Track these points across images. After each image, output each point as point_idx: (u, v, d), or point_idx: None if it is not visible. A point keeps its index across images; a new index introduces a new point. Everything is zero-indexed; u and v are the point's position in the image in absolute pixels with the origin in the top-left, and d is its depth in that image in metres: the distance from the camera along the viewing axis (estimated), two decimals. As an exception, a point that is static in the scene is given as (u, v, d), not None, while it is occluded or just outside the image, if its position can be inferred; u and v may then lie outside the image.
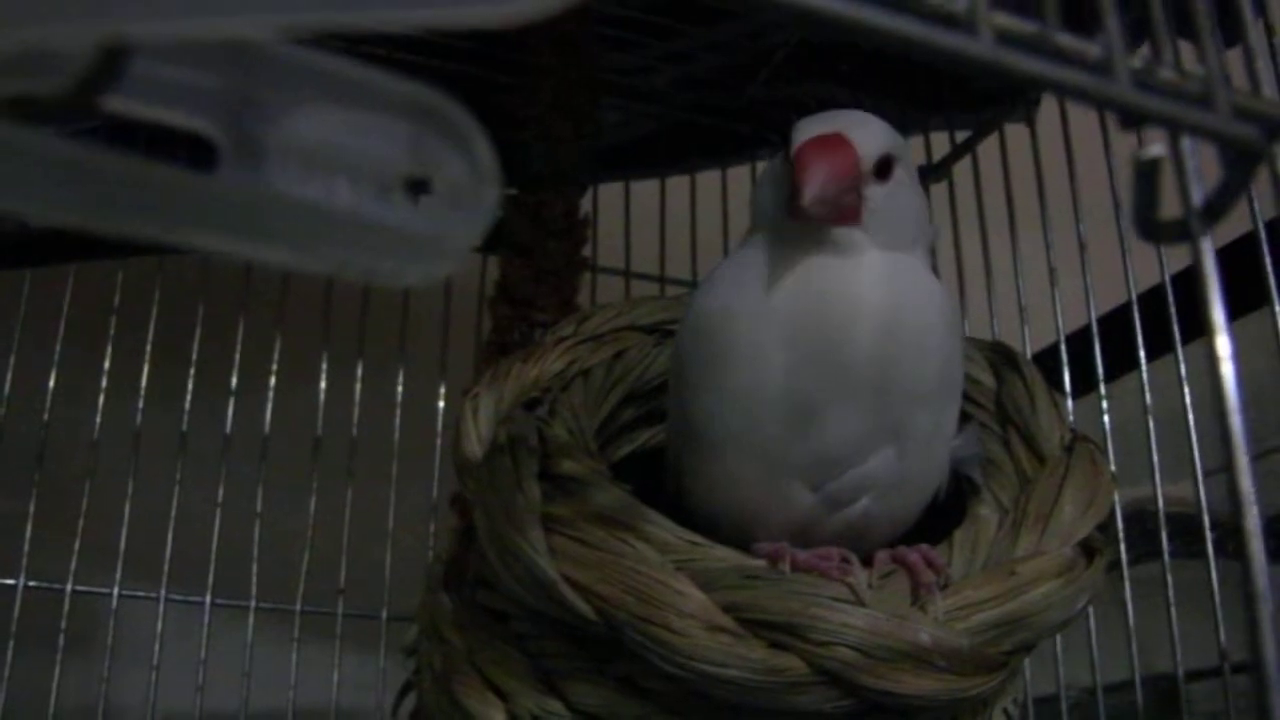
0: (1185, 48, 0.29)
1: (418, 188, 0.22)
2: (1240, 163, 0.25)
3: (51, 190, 0.20)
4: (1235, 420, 0.23)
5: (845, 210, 0.50)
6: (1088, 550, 0.51)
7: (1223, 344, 0.25)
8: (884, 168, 0.51)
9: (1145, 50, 0.26)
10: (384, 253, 0.22)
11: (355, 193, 0.22)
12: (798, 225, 0.49)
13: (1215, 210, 0.25)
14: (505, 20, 0.19)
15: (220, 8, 0.18)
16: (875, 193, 0.51)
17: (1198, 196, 0.25)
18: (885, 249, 0.50)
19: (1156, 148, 0.24)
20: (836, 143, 0.49)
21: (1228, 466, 0.23)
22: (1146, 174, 0.25)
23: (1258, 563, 0.22)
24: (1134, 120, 0.24)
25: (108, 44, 0.19)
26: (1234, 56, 0.31)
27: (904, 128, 0.88)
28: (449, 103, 0.22)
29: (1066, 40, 0.24)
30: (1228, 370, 0.24)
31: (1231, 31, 0.31)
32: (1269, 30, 0.64)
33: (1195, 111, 0.24)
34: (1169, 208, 0.26)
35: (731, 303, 0.52)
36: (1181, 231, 0.25)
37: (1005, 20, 0.23)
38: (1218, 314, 0.25)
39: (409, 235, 0.22)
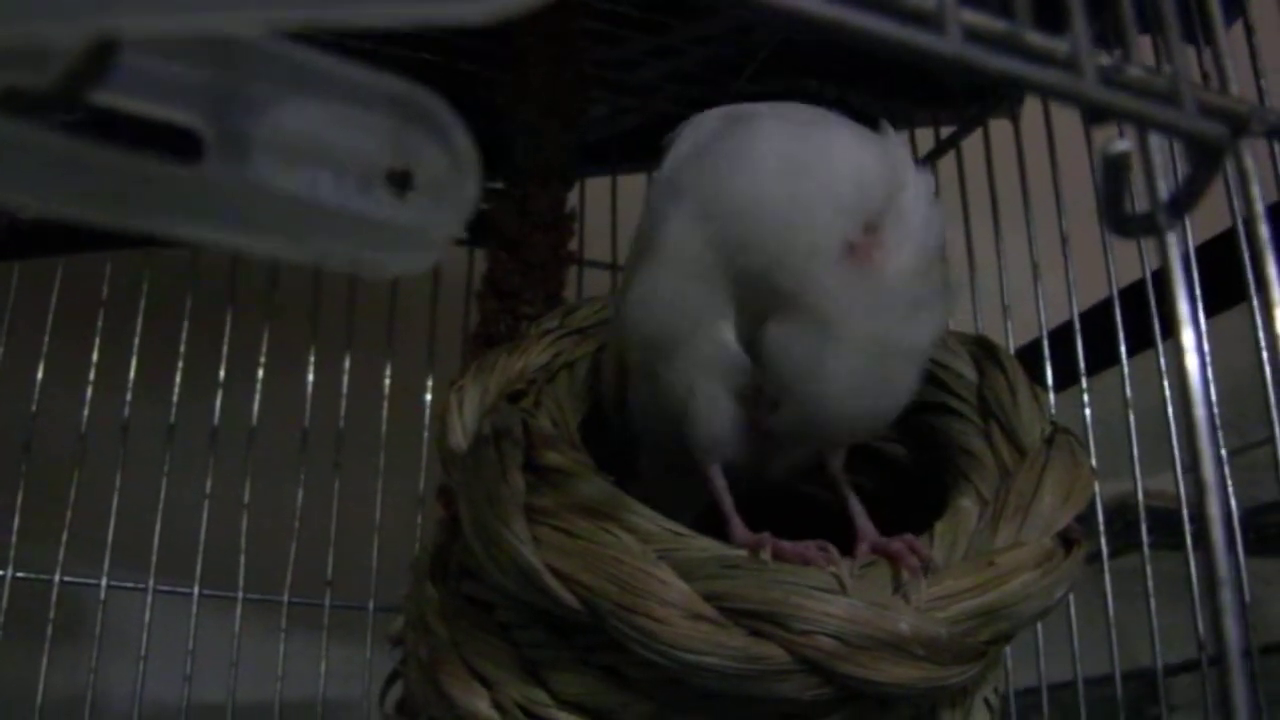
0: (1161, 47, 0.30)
1: (400, 180, 0.23)
2: (1205, 159, 0.25)
3: (40, 182, 0.20)
4: (1200, 411, 0.24)
5: None
6: (1066, 541, 0.51)
7: (1189, 336, 0.25)
8: None
9: (1117, 50, 0.27)
10: (367, 244, 0.22)
11: (338, 185, 0.22)
12: None
13: (1181, 205, 0.26)
14: (485, 16, 0.20)
15: (207, 4, 0.18)
16: None
17: (1165, 191, 0.26)
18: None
19: (1124, 143, 0.25)
20: None
21: (1192, 454, 0.24)
22: (1115, 168, 0.25)
23: (1219, 549, 0.23)
24: (1100, 117, 0.24)
25: (97, 40, 0.19)
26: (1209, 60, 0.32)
27: (889, 123, 0.89)
28: (430, 96, 0.23)
29: (1036, 38, 0.25)
30: (1193, 362, 0.25)
31: (1204, 30, 0.32)
32: (1249, 29, 0.65)
33: (1161, 108, 0.25)
34: (1137, 202, 0.26)
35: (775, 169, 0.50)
36: (1149, 225, 0.26)
37: (974, 17, 0.24)
38: (1183, 306, 0.26)
39: (391, 226, 0.22)
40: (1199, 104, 0.26)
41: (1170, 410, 0.68)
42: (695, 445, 0.53)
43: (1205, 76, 0.57)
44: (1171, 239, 0.25)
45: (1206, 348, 0.64)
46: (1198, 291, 0.64)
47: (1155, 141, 0.26)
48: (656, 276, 0.51)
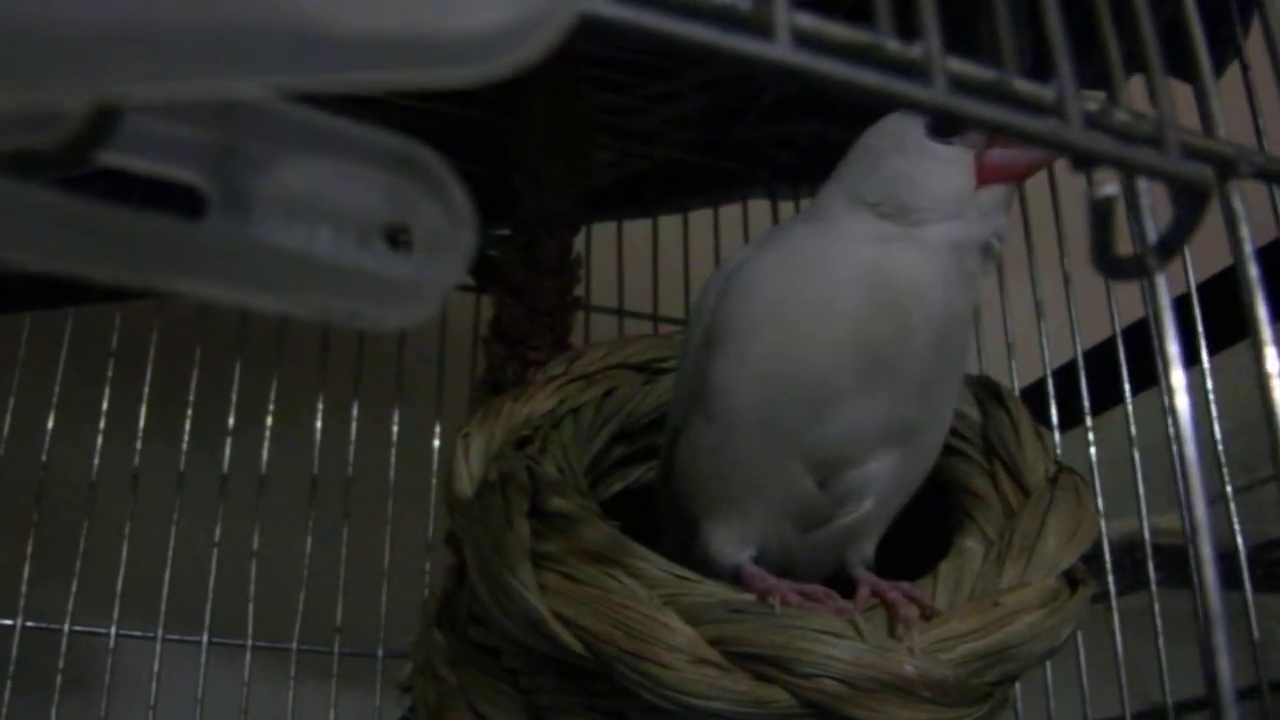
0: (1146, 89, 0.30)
1: (397, 235, 0.23)
2: (1192, 201, 0.26)
3: (45, 240, 0.21)
4: (1190, 450, 0.24)
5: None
6: (1071, 581, 0.51)
7: (1178, 376, 0.26)
8: None
9: (1103, 98, 0.27)
10: (365, 298, 0.23)
11: (337, 240, 0.23)
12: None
13: (1169, 248, 0.26)
14: (481, 76, 0.20)
15: (211, 70, 0.19)
16: None
17: (1153, 234, 0.26)
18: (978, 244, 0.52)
19: (1112, 187, 0.25)
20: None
21: (1183, 494, 0.24)
22: (1102, 212, 0.26)
23: (1211, 590, 0.23)
24: (1085, 162, 0.25)
25: (102, 103, 0.20)
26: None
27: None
28: (426, 152, 0.23)
29: (1022, 85, 0.25)
30: (1183, 402, 0.25)
31: (1193, 73, 0.32)
32: (1244, 68, 0.66)
33: (1146, 153, 0.25)
34: (1125, 245, 0.27)
35: (796, 275, 0.52)
36: (1138, 268, 0.26)
37: (961, 66, 0.24)
38: (1173, 347, 0.26)
39: (389, 280, 0.23)
40: (1185, 147, 0.26)
41: (1175, 448, 0.67)
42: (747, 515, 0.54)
43: (1204, 117, 0.57)
44: (1160, 280, 0.26)
45: (1210, 384, 0.64)
46: (1199, 328, 0.64)
47: (1144, 184, 0.27)
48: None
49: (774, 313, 0.52)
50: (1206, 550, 0.23)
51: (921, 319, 0.50)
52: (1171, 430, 0.67)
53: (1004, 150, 0.51)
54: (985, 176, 0.51)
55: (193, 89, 0.18)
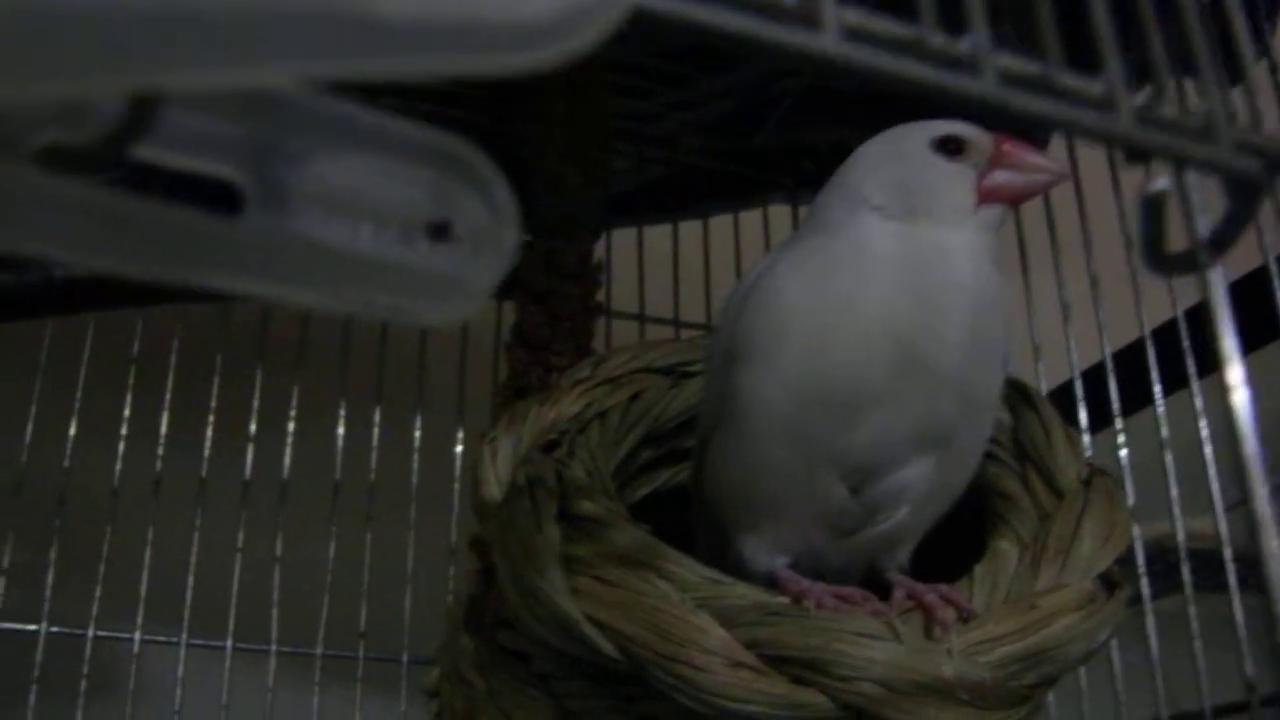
0: (1189, 90, 0.30)
1: (439, 231, 0.23)
2: (1243, 195, 0.25)
3: (80, 236, 0.20)
4: (1250, 445, 0.24)
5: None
6: (1108, 583, 0.51)
7: (1234, 372, 0.25)
8: None
9: (1148, 91, 0.27)
10: (407, 293, 0.22)
11: (379, 237, 0.23)
12: (975, 211, 0.52)
13: (1220, 242, 0.25)
14: (532, 65, 0.20)
15: (245, 59, 0.18)
16: None
17: (1203, 229, 0.26)
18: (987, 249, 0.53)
19: (1162, 181, 0.25)
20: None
21: (1243, 489, 0.23)
22: (1152, 208, 0.25)
23: (1277, 586, 0.22)
24: (1138, 155, 0.24)
25: (137, 94, 0.19)
26: (1239, 99, 0.32)
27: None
28: (469, 148, 0.23)
29: (1069, 80, 0.25)
30: (1241, 397, 0.25)
31: (1235, 70, 0.32)
32: (1273, 68, 0.65)
33: (1197, 145, 0.25)
34: (1175, 241, 0.26)
35: (816, 286, 0.52)
36: (1189, 263, 0.26)
37: (1009, 61, 0.24)
38: (1229, 342, 0.26)
39: (431, 276, 0.23)
40: (1234, 141, 0.26)
41: (1208, 450, 0.67)
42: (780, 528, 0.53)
43: (1231, 117, 0.57)
44: (1213, 275, 0.25)
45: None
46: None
47: (1192, 181, 0.26)
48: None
49: (799, 320, 0.51)
50: (1274, 545, 0.22)
51: (951, 306, 0.50)
52: (1205, 431, 0.67)
53: (1005, 173, 0.52)
54: (985, 196, 0.52)
55: (233, 76, 0.18)
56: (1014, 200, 0.54)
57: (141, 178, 0.21)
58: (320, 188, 0.23)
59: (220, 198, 0.23)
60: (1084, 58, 0.26)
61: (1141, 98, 0.26)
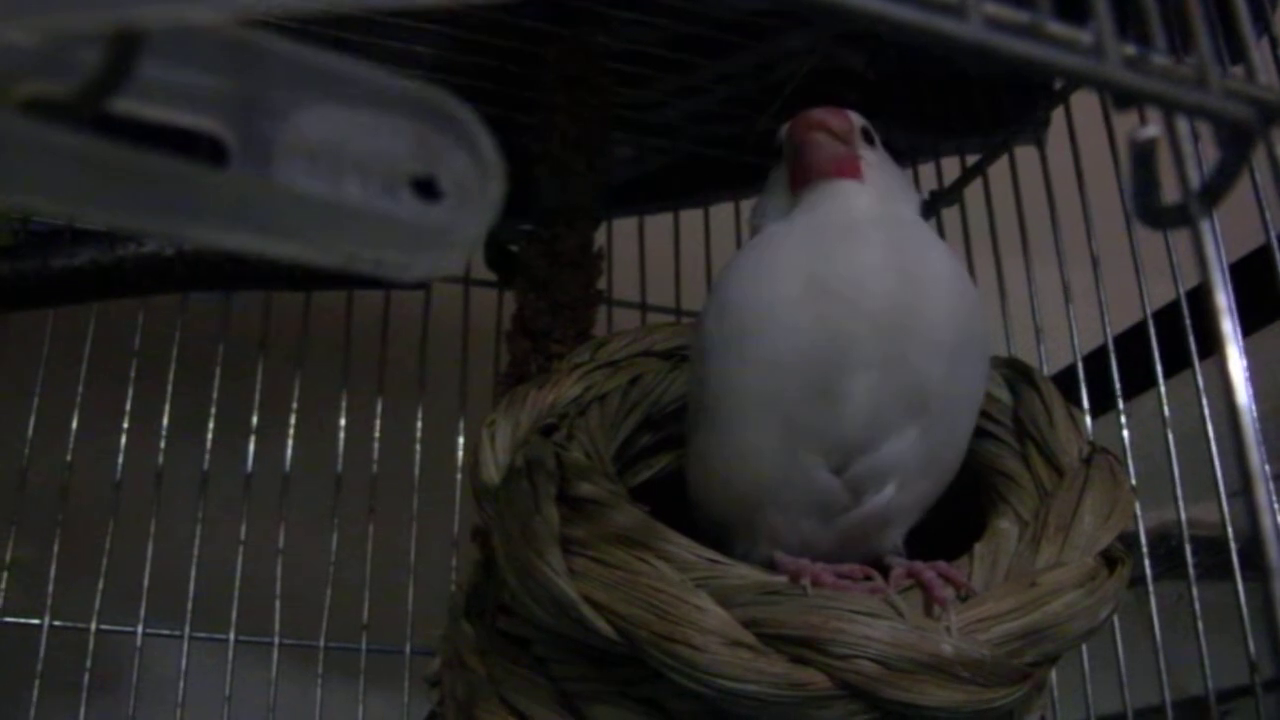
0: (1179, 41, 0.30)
1: (424, 184, 0.23)
2: (1236, 143, 0.25)
3: (64, 185, 0.20)
4: (1247, 418, 0.23)
5: (845, 163, 0.54)
6: (1109, 560, 0.50)
7: (1229, 326, 0.25)
8: (868, 136, 0.57)
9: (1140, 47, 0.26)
10: (391, 245, 0.22)
11: (363, 188, 0.22)
12: (807, 190, 0.54)
13: (1214, 192, 0.25)
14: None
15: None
16: (868, 154, 0.55)
17: (1196, 179, 0.26)
18: (888, 207, 0.54)
19: (1151, 129, 0.24)
20: (826, 110, 0.55)
21: (1241, 467, 0.23)
22: (1144, 157, 0.25)
23: (1277, 569, 0.22)
24: (1126, 101, 0.24)
25: (117, 33, 0.19)
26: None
27: (914, 153, 0.89)
28: (452, 100, 0.23)
29: (1058, 28, 0.25)
30: (1236, 365, 0.24)
31: (1229, 29, 0.32)
32: (1274, 42, 0.65)
33: (1189, 91, 0.24)
34: (1168, 193, 0.26)
35: (749, 277, 0.54)
36: (1181, 216, 0.26)
37: (995, 8, 0.24)
38: (1222, 298, 0.25)
39: (415, 228, 0.22)
40: (1227, 90, 0.26)
41: (1210, 431, 0.66)
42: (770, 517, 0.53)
43: (1223, 66, 0.57)
44: (1206, 227, 0.25)
45: (1245, 364, 0.63)
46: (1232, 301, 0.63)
47: (1182, 132, 0.26)
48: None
49: (745, 305, 0.53)
50: (1271, 529, 0.22)
51: (861, 262, 0.51)
52: (1207, 411, 0.66)
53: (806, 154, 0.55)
54: (797, 180, 0.55)
55: (210, 10, 0.17)
56: (798, 176, 0.55)
57: (125, 135, 0.21)
58: (304, 140, 0.22)
59: (204, 152, 0.22)
60: (1075, 11, 0.26)
61: (1132, 50, 0.26)
